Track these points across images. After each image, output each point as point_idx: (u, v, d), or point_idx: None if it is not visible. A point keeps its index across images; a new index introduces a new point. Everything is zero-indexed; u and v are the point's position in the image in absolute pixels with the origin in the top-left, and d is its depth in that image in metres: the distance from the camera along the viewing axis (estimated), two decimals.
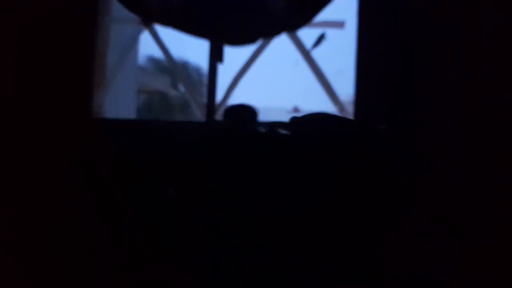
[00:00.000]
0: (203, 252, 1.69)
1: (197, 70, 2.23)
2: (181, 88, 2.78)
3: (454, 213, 1.55)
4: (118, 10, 2.12)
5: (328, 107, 1.87)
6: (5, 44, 1.77)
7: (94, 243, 1.89)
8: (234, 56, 1.95)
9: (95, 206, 1.83)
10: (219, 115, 1.88)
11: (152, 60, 2.77)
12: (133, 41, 2.19)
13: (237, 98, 2.02)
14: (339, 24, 2.00)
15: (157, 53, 2.20)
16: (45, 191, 1.80)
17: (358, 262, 1.63)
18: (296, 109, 2.65)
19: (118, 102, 2.13)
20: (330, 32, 2.00)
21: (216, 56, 1.91)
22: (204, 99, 1.92)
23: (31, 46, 1.78)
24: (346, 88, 1.74)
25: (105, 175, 1.83)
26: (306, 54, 1.89)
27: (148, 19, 2.08)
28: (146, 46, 2.24)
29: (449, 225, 1.56)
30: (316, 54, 1.89)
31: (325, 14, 1.81)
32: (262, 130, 1.77)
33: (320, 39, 2.01)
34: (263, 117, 2.49)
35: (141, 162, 1.85)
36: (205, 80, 1.92)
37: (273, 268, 1.66)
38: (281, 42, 1.94)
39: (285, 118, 2.34)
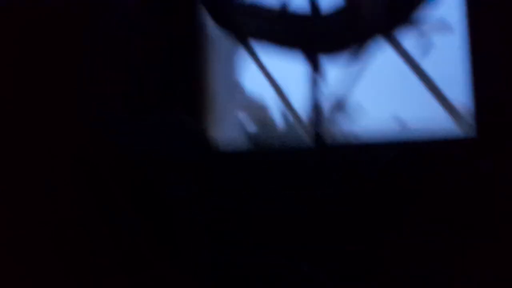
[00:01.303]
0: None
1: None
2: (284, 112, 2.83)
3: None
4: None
5: (436, 114, 1.79)
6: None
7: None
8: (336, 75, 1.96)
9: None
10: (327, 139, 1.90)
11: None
12: (237, 70, 2.22)
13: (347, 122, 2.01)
14: (446, 27, 1.84)
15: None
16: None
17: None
18: (398, 119, 2.55)
19: (228, 128, 2.17)
20: (437, 38, 1.88)
21: (314, 68, 1.91)
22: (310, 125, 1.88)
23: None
24: (457, 95, 1.74)
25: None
26: (411, 63, 1.80)
27: (243, 36, 2.12)
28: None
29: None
30: (424, 62, 1.80)
31: (431, 19, 1.74)
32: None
33: (427, 46, 1.90)
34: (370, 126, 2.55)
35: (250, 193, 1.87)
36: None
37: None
38: (386, 55, 1.88)
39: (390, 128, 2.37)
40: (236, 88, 2.31)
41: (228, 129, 2.19)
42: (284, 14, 2.01)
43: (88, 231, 1.88)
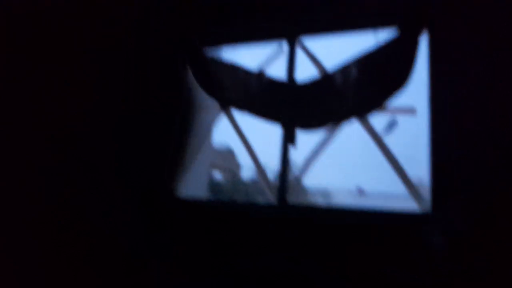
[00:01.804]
0: None
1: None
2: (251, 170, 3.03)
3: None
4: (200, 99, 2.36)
5: (395, 189, 1.92)
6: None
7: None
8: (306, 139, 2.07)
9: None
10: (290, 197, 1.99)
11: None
12: (211, 126, 2.36)
13: (308, 179, 2.17)
14: (411, 111, 2.03)
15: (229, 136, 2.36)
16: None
17: None
18: (360, 191, 2.78)
19: (193, 180, 2.32)
20: (401, 118, 2.10)
21: (289, 140, 2.01)
22: (275, 182, 2.03)
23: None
24: (416, 172, 1.84)
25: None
26: (377, 139, 1.91)
27: (226, 105, 2.23)
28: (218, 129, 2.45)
29: None
30: (388, 139, 1.92)
31: (397, 101, 1.86)
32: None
33: (392, 124, 2.09)
34: (330, 197, 2.76)
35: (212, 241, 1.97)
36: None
37: None
38: (353, 127, 2.01)
39: (350, 199, 2.59)
40: (207, 142, 2.47)
41: (195, 180, 2.36)
42: (261, 78, 2.13)
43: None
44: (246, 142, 2.27)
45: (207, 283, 1.94)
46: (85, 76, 1.98)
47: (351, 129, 2.07)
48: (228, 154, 3.45)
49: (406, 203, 1.84)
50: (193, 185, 2.35)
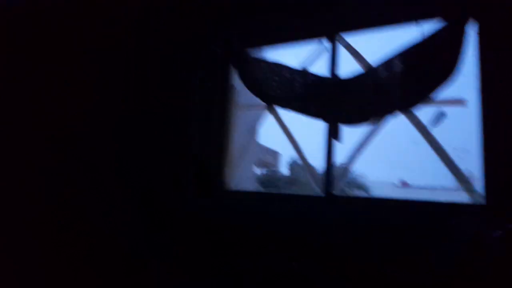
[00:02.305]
0: None
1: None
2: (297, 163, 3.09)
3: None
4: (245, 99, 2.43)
5: (441, 182, 1.95)
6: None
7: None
8: (352, 133, 2.06)
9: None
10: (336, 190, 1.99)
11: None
12: (256, 124, 2.44)
13: (352, 172, 2.22)
14: (460, 102, 1.96)
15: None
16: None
17: None
18: (404, 183, 2.76)
19: (241, 176, 2.41)
20: (450, 110, 2.03)
21: (333, 135, 2.00)
22: (320, 175, 2.05)
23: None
24: (467, 164, 1.79)
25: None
26: (424, 131, 1.87)
27: (271, 103, 2.26)
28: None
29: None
30: (437, 131, 1.88)
31: (445, 92, 1.80)
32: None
33: (440, 117, 2.02)
34: (373, 190, 2.75)
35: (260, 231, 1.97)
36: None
37: None
38: (400, 121, 1.97)
39: (394, 192, 2.52)
40: (253, 140, 2.56)
41: (242, 176, 2.44)
42: (305, 75, 2.12)
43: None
44: (292, 138, 2.28)
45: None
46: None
47: (397, 122, 2.03)
48: (272, 152, 3.54)
49: (452, 196, 1.79)
50: (241, 181, 2.39)
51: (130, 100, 2.27)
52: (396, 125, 2.05)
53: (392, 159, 2.53)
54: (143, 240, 2.12)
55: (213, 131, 2.35)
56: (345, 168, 2.11)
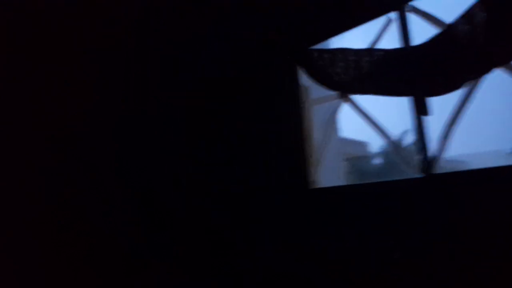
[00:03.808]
0: None
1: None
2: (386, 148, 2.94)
3: None
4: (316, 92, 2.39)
5: None
6: None
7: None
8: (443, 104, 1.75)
9: None
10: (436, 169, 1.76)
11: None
12: (333, 116, 2.36)
13: (452, 148, 1.90)
14: None
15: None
16: None
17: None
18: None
19: (328, 171, 2.37)
20: None
21: (420, 111, 1.78)
22: (414, 156, 1.87)
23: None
24: None
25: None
26: None
27: (344, 92, 2.16)
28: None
29: None
30: None
31: None
32: None
33: None
34: (480, 162, 2.55)
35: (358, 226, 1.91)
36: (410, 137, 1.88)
37: None
38: (497, 80, 1.62)
39: (504, 161, 2.28)
40: (334, 134, 2.50)
41: (329, 171, 2.39)
42: (371, 52, 1.98)
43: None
44: (375, 123, 2.13)
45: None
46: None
47: (494, 79, 1.69)
48: (357, 142, 3.42)
49: None
50: (328, 176, 2.35)
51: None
52: (495, 83, 1.67)
53: (495, 124, 2.14)
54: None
55: (291, 130, 2.32)
56: (442, 143, 1.83)
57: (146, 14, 2.38)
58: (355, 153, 3.38)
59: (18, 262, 1.65)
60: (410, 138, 1.97)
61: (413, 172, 1.92)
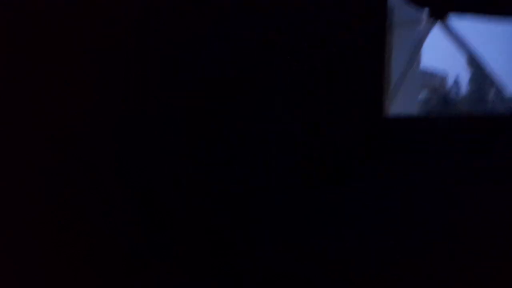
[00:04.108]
0: None
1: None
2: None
3: None
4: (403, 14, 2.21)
5: None
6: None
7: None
8: None
9: None
10: None
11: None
12: (418, 44, 2.19)
13: None
14: None
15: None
16: None
17: None
18: None
19: (403, 101, 2.21)
20: None
21: None
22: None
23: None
24: None
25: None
26: None
27: (441, 13, 2.02)
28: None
29: None
30: None
31: None
32: None
33: None
34: None
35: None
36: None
37: None
38: None
39: None
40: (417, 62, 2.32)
41: (405, 101, 2.20)
42: None
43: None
44: (469, 50, 1.97)
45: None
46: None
47: None
48: (440, 74, 3.29)
49: None
50: (404, 106, 2.22)
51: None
52: None
53: None
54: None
55: (368, 55, 2.07)
56: None
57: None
58: (438, 86, 3.22)
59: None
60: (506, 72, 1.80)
61: (504, 108, 1.78)
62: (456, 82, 3.00)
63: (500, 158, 1.59)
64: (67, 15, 1.93)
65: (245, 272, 1.90)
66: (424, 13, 2.00)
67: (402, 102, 2.10)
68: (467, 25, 1.84)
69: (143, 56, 2.29)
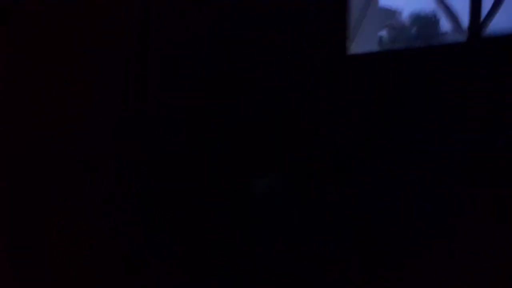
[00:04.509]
0: None
1: None
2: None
3: None
4: None
5: None
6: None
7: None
8: None
9: None
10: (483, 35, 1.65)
11: None
12: None
13: (502, 16, 1.71)
14: None
15: None
16: None
17: None
18: None
19: (366, 38, 2.18)
20: None
21: None
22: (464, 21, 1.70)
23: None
24: None
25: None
26: None
27: None
28: None
29: None
30: None
31: None
32: None
33: None
34: None
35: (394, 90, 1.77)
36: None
37: None
38: None
39: None
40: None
41: (365, 39, 2.17)
42: None
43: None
44: None
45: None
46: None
47: None
48: (393, 10, 3.29)
49: None
50: (364, 44, 2.21)
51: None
52: None
53: None
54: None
55: None
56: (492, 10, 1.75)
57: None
58: (395, 22, 3.23)
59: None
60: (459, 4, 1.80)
61: (460, 37, 1.75)
62: (413, 17, 3.05)
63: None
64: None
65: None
66: None
67: (363, 41, 2.11)
68: None
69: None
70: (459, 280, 1.58)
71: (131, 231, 2.08)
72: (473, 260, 1.52)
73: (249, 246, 2.07)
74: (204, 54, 2.40)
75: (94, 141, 2.01)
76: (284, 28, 2.13)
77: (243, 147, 2.41)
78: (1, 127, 1.66)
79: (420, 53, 1.81)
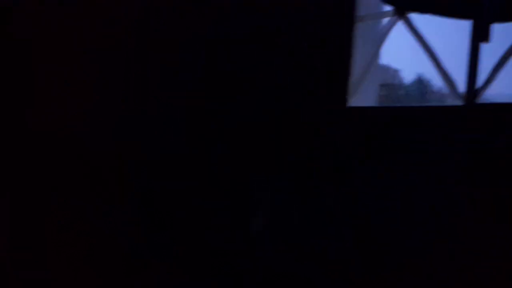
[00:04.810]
0: None
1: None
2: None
3: None
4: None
5: None
6: None
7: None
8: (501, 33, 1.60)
9: None
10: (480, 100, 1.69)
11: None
12: (380, 40, 2.15)
13: (500, 82, 1.75)
14: None
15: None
16: None
17: None
18: None
19: (362, 98, 2.22)
20: None
21: (481, 37, 1.60)
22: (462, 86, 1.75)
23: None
24: None
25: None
26: None
27: (402, 8, 1.94)
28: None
29: None
30: None
31: None
32: None
33: None
34: None
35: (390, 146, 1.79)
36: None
37: None
38: None
39: None
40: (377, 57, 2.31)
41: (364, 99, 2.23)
42: None
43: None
44: (429, 47, 2.00)
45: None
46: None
47: None
48: (394, 70, 3.34)
49: None
50: (363, 103, 2.22)
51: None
52: None
53: None
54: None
55: (333, 48, 2.11)
56: (491, 76, 1.74)
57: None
58: (392, 81, 3.28)
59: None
60: (458, 70, 1.85)
61: (456, 101, 1.84)
62: (411, 77, 3.11)
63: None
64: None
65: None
66: (387, 7, 2.01)
67: (363, 96, 2.12)
68: (428, 20, 1.84)
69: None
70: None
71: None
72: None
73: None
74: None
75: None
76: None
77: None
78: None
79: (414, 112, 1.89)
